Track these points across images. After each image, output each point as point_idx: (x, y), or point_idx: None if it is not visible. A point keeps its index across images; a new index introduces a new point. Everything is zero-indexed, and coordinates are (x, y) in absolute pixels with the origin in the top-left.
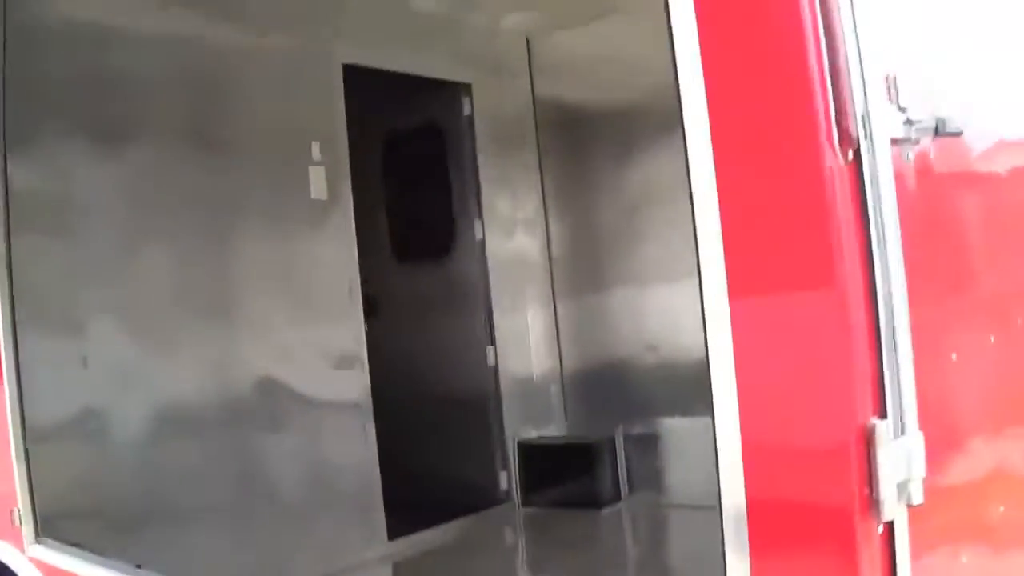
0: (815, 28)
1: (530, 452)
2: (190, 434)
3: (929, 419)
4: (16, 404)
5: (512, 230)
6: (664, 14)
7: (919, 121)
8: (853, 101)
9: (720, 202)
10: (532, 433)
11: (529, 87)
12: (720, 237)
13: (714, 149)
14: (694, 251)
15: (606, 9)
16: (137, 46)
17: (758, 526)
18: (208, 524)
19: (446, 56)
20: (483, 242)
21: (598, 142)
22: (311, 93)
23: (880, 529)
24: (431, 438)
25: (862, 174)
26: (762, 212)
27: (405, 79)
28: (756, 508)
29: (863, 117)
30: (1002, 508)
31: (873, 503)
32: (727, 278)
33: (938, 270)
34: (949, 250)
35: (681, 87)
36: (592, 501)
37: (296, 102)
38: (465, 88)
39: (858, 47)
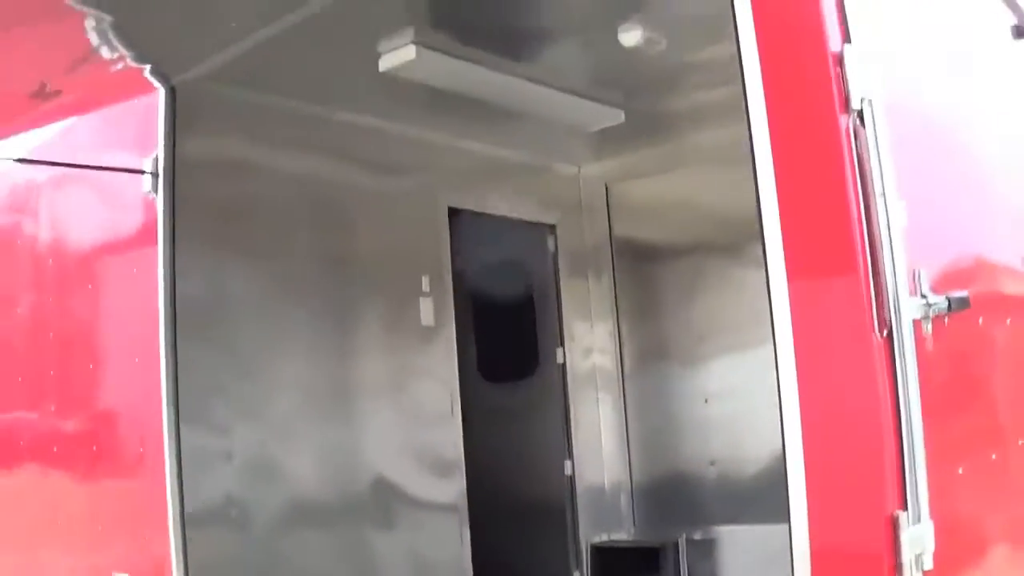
0: (863, 244)
1: (601, 554)
2: (314, 525)
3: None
4: (176, 495)
5: (589, 353)
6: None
7: (936, 303)
8: (888, 295)
9: (796, 357)
10: (603, 536)
11: (607, 226)
12: (796, 393)
13: (792, 322)
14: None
15: (675, 164)
16: (280, 181)
17: None
18: None
19: (535, 200)
20: (563, 366)
21: (667, 275)
22: (422, 231)
23: None
24: (514, 539)
25: (893, 345)
26: (827, 370)
27: (499, 220)
28: None
29: (894, 305)
30: None
31: (898, 567)
32: (801, 424)
33: (950, 405)
34: (960, 389)
35: (772, 300)
36: None
37: (409, 238)
38: (550, 228)
39: (892, 254)
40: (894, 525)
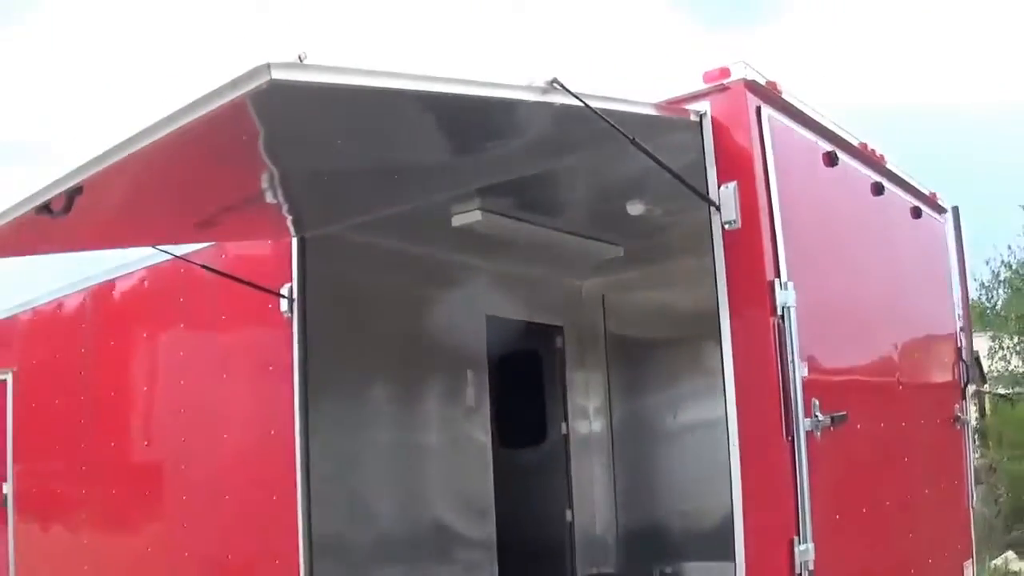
0: (780, 387)
1: None
2: (392, 555)
3: (820, 540)
4: (306, 522)
5: (588, 422)
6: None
7: (823, 420)
8: (793, 416)
9: (741, 438)
10: (594, 569)
11: (603, 327)
12: (739, 471)
13: (738, 433)
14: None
15: (656, 281)
16: (375, 298)
17: None
18: None
19: (547, 307)
20: (566, 436)
21: (649, 363)
22: (467, 333)
23: None
24: (527, 570)
25: (795, 445)
26: (756, 458)
27: (520, 323)
28: None
29: (797, 423)
30: None
31: (792, 568)
32: (741, 490)
33: (830, 479)
34: (840, 467)
35: (728, 423)
36: None
37: (458, 338)
38: (558, 329)
39: (796, 393)
40: (791, 545)
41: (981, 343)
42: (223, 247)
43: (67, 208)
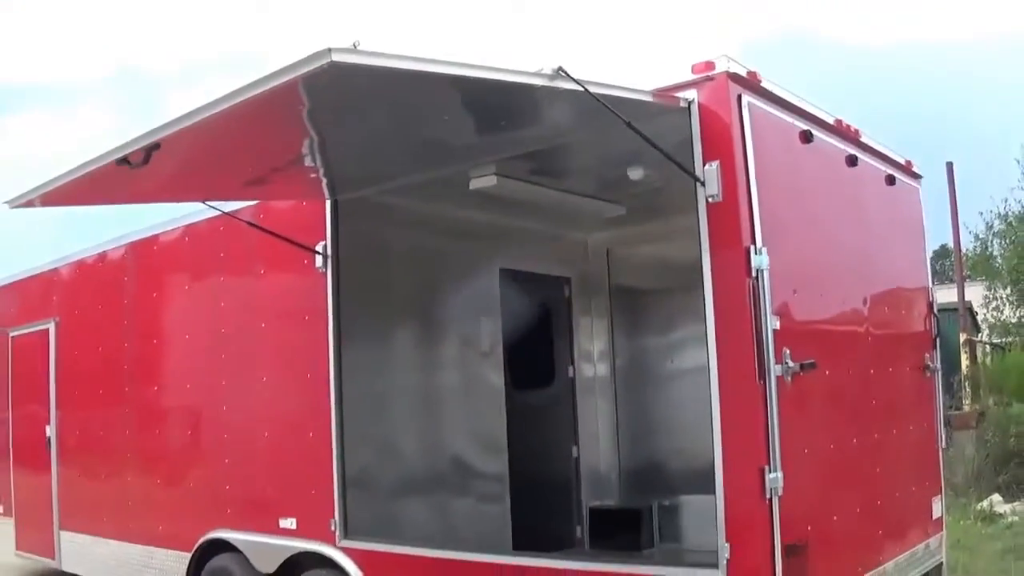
0: (755, 339)
1: (596, 515)
2: (415, 488)
3: (789, 469)
4: (339, 458)
5: (592, 366)
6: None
7: (792, 367)
8: (766, 363)
9: (720, 381)
10: (598, 502)
11: (607, 278)
12: (719, 409)
13: (718, 374)
14: (704, 385)
15: (657, 238)
16: (400, 252)
17: (731, 511)
18: (425, 530)
19: (556, 260)
20: (573, 379)
21: (649, 311)
22: (483, 283)
23: (767, 500)
24: (536, 502)
25: (766, 388)
26: (734, 398)
27: (531, 275)
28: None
29: (767, 368)
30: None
31: (763, 492)
32: (721, 425)
33: (799, 419)
34: (807, 409)
35: (709, 366)
36: (635, 547)
37: (476, 288)
38: (566, 280)
39: (768, 343)
40: (762, 472)
41: (975, 293)
42: (263, 208)
43: (144, 162)
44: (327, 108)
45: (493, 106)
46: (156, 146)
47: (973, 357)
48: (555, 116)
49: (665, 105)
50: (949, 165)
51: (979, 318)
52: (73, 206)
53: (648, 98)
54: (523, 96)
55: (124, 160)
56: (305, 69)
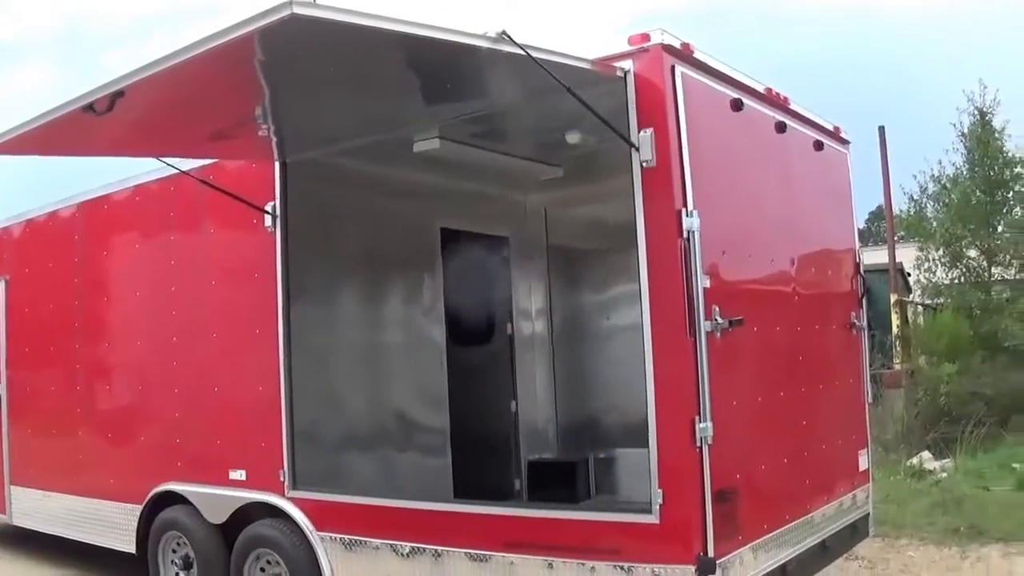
0: (686, 297)
1: (535, 468)
2: (359, 442)
3: (719, 419)
4: (288, 412)
5: (531, 323)
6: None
7: (721, 324)
8: (696, 319)
9: (653, 337)
10: (536, 455)
11: (544, 237)
12: (652, 366)
13: (651, 329)
14: (637, 344)
15: (592, 200)
16: (345, 212)
17: (664, 460)
18: (370, 482)
19: (495, 220)
20: (511, 336)
21: (585, 271)
22: (424, 242)
23: (698, 449)
24: (476, 456)
25: (696, 344)
26: (666, 353)
27: (471, 234)
28: (663, 454)
29: (698, 324)
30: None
31: (694, 441)
32: (654, 380)
33: (726, 369)
34: (735, 364)
35: (643, 318)
36: (572, 498)
37: (417, 246)
38: (504, 239)
39: (698, 301)
40: (692, 423)
41: (908, 254)
42: (214, 168)
43: (108, 109)
44: (282, 64)
45: (440, 68)
46: (120, 93)
47: (904, 318)
48: (498, 80)
49: (603, 74)
50: (881, 129)
51: (911, 279)
52: (30, 155)
53: (587, 66)
54: (468, 58)
55: (89, 107)
56: (267, 20)
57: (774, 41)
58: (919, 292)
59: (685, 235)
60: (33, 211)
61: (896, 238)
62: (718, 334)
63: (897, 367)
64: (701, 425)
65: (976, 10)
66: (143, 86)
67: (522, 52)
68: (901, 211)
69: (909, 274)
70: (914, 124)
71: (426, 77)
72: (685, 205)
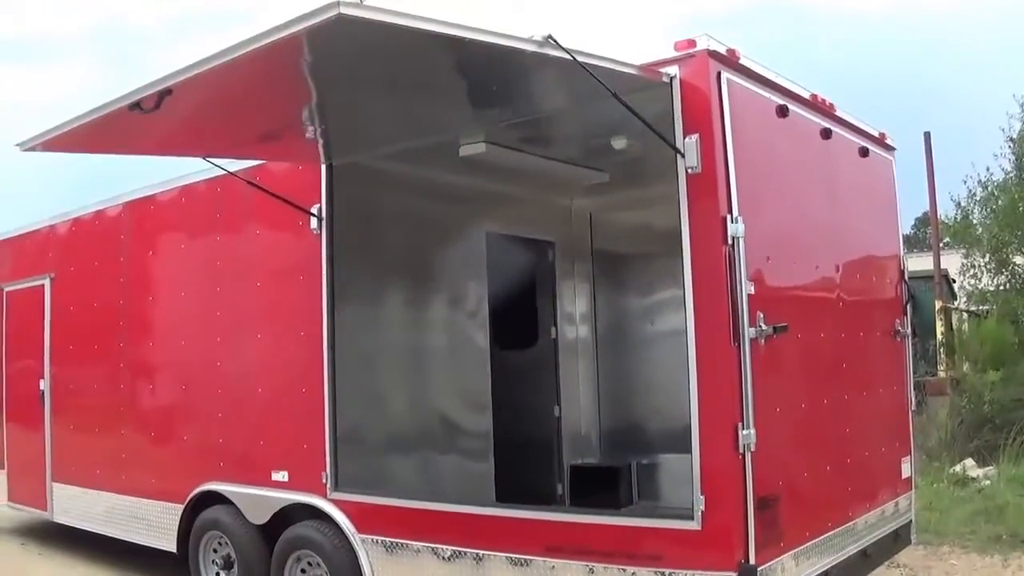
0: (731, 304)
1: (577, 472)
2: (405, 446)
3: (762, 426)
4: (331, 413)
5: (574, 328)
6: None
7: (765, 331)
8: (740, 326)
9: (697, 343)
10: (579, 460)
11: (589, 241)
12: (696, 371)
13: (696, 336)
14: (682, 348)
15: (637, 204)
16: (393, 214)
17: (706, 466)
18: (412, 485)
19: (541, 225)
20: (556, 340)
21: (630, 276)
22: (470, 246)
23: (740, 456)
24: (519, 460)
25: (740, 350)
26: (710, 359)
27: (516, 238)
28: (706, 461)
29: (742, 331)
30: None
31: (736, 448)
32: (698, 386)
33: (769, 376)
34: (776, 374)
35: (687, 326)
36: (614, 504)
37: (462, 250)
38: (550, 244)
39: (743, 307)
40: (735, 429)
41: (954, 260)
42: (261, 170)
43: (156, 107)
44: (328, 66)
45: (485, 71)
46: (168, 91)
47: (949, 324)
48: (543, 85)
49: (649, 79)
50: (927, 135)
51: (956, 286)
52: (79, 152)
53: (633, 71)
54: (515, 63)
55: (136, 105)
56: (313, 21)
57: (809, 42)
58: (964, 299)
59: (730, 241)
60: (80, 209)
61: (942, 244)
62: (762, 340)
63: (941, 374)
64: (744, 432)
65: None
66: (190, 85)
67: (568, 57)
68: (947, 217)
69: (954, 280)
70: (964, 132)
71: (472, 81)
72: (730, 211)
